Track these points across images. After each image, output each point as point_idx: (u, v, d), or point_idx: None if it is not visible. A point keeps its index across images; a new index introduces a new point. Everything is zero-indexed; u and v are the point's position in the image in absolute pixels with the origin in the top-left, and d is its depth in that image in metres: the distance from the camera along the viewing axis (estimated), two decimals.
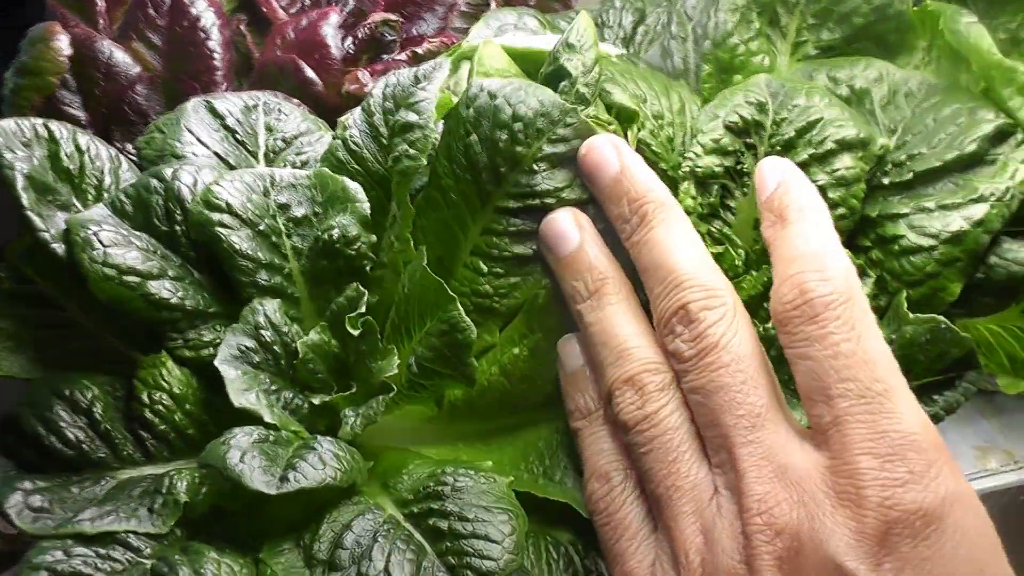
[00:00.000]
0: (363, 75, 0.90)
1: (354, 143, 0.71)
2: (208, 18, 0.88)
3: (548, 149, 0.65)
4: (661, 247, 0.61)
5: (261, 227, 0.68)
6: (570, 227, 0.64)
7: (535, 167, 0.65)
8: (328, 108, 0.86)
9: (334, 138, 0.73)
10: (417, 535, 0.60)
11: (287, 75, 0.87)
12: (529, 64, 0.74)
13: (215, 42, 0.87)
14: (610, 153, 0.63)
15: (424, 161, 0.67)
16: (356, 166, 0.71)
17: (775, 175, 0.62)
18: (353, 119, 0.72)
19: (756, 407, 0.56)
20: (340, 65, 0.89)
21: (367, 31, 0.95)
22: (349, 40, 0.94)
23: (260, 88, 0.84)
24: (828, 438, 0.55)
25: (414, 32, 1.01)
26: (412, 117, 0.68)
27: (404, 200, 0.68)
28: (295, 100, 0.83)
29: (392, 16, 0.99)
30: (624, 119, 0.71)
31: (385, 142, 0.70)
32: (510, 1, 1.05)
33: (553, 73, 0.68)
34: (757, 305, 0.74)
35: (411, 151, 0.67)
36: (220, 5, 0.89)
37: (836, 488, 0.54)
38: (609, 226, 0.65)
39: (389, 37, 0.96)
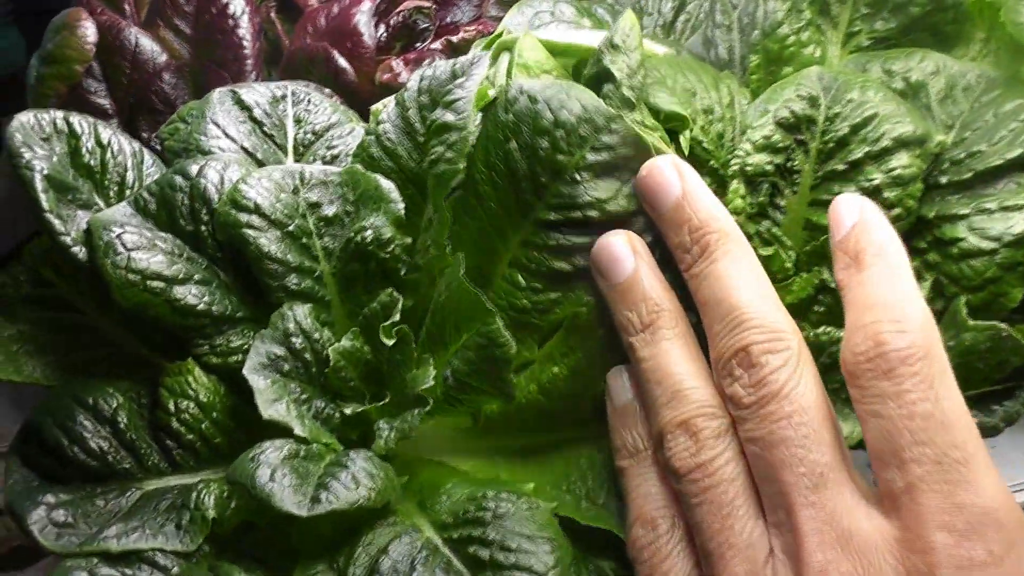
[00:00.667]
0: (397, 64, 0.86)
1: (388, 139, 0.67)
2: (237, 5, 0.84)
3: (591, 158, 0.60)
4: (723, 282, 0.56)
5: (291, 228, 0.65)
6: (625, 252, 0.59)
7: (577, 176, 0.60)
8: (360, 98, 0.83)
9: (367, 133, 0.68)
10: (457, 562, 0.56)
11: (318, 64, 0.84)
12: (570, 59, 0.69)
13: (244, 29, 0.83)
14: (672, 176, 0.59)
15: (462, 165, 0.63)
16: (390, 163, 0.67)
17: (852, 214, 0.57)
18: (387, 113, 0.68)
19: (819, 465, 0.51)
20: (373, 54, 0.85)
21: (400, 19, 0.91)
22: (382, 28, 0.90)
23: (289, 77, 0.81)
24: (899, 506, 0.50)
25: (448, 20, 0.97)
26: (449, 117, 0.64)
27: (440, 204, 0.64)
28: (326, 90, 0.79)
29: (426, 3, 0.95)
30: (674, 124, 0.66)
31: (421, 139, 0.66)
32: None
33: (596, 75, 0.63)
34: (806, 309, 0.70)
35: (448, 154, 0.63)
36: None
37: (906, 563, 0.49)
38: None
39: (423, 25, 0.92)
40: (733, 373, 0.54)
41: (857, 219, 0.56)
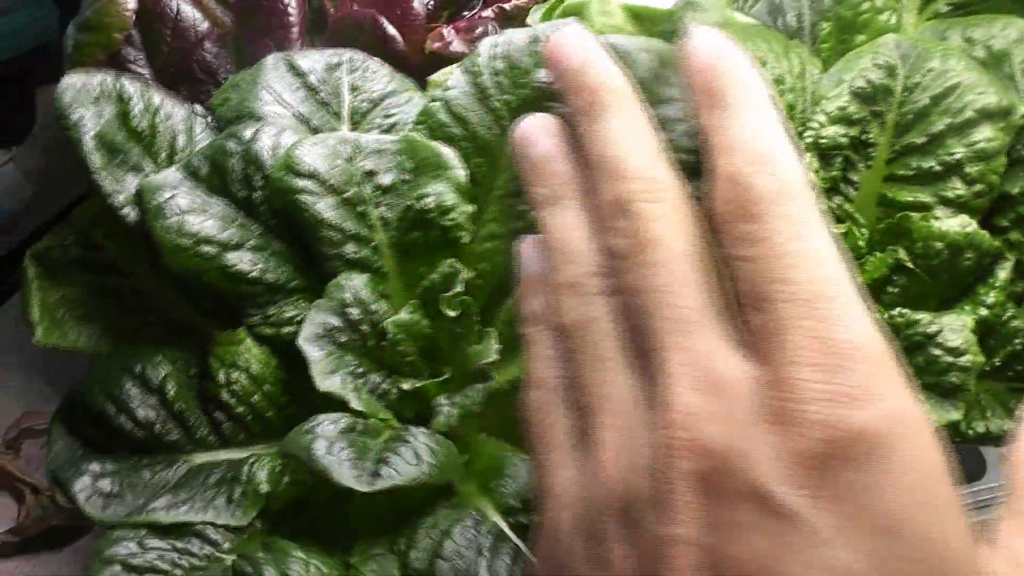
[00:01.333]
0: (448, 32, 0.83)
1: (457, 104, 0.63)
2: None
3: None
4: (611, 136, 0.53)
5: (347, 195, 0.61)
6: (540, 131, 0.56)
7: None
8: (410, 68, 0.79)
9: (431, 100, 0.65)
10: (526, 550, 0.53)
11: (365, 32, 0.80)
12: (646, 27, 0.66)
13: None
14: (575, 45, 0.55)
15: None
16: (457, 129, 0.63)
17: (709, 53, 0.53)
18: (454, 79, 0.64)
19: (692, 310, 0.48)
20: (423, 21, 0.82)
21: None
22: None
23: (335, 46, 0.77)
24: (768, 346, 0.46)
25: None
26: (543, 76, 0.60)
27: None
28: (374, 57, 0.75)
29: None
30: None
31: (497, 105, 0.62)
32: None
33: (673, 34, 0.60)
34: (880, 290, 0.66)
35: None
36: None
37: (767, 404, 0.45)
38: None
39: None
40: (616, 224, 0.51)
41: (717, 58, 0.52)
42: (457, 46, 0.83)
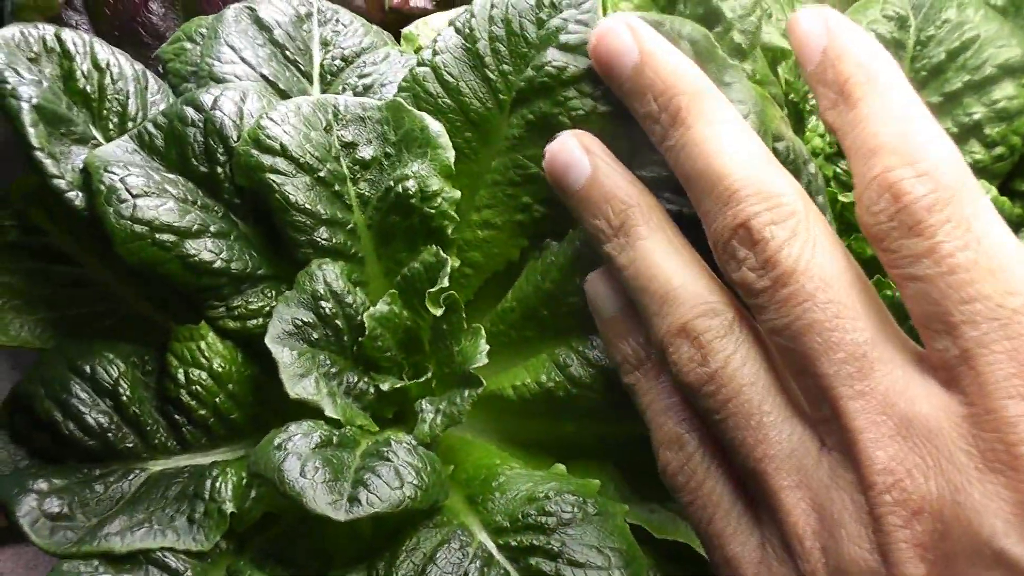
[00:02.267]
0: None
1: (448, 73, 0.56)
2: None
3: None
4: (702, 148, 0.46)
5: (322, 173, 0.55)
6: (576, 154, 0.50)
7: None
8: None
9: (419, 64, 0.57)
10: (516, 574, 0.47)
11: None
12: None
13: None
14: (625, 38, 0.48)
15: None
16: (448, 100, 0.56)
17: (818, 34, 0.46)
18: (444, 42, 0.56)
19: (860, 345, 0.42)
20: None
21: None
22: None
23: None
24: (959, 377, 0.40)
25: None
26: (557, 59, 0.53)
27: None
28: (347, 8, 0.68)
29: None
30: (770, 55, 0.56)
31: (494, 77, 0.55)
32: None
33: (702, 16, 0.53)
34: None
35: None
36: None
37: (980, 446, 0.39)
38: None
39: None
40: (736, 255, 0.44)
41: (826, 41, 0.45)
42: (418, 1, 0.76)
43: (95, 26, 0.75)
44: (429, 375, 0.55)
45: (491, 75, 0.55)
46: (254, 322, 0.55)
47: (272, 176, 0.53)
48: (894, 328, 0.44)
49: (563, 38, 0.53)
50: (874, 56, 0.45)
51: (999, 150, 0.60)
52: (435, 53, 0.56)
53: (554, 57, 0.53)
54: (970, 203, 0.41)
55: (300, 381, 0.51)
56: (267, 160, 0.54)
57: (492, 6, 0.55)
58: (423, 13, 0.78)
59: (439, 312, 0.53)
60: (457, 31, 0.56)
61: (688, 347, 0.45)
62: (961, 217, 0.40)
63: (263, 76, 0.61)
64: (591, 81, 0.52)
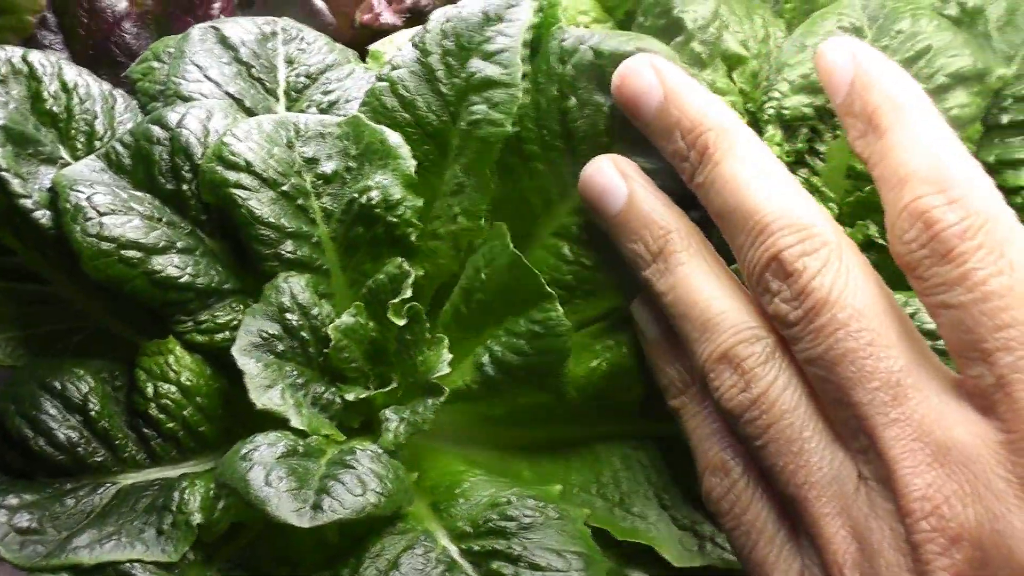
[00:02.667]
0: (377, 3, 0.77)
1: (404, 87, 0.57)
2: None
3: None
4: (733, 184, 0.46)
5: (285, 187, 0.55)
6: (614, 179, 0.50)
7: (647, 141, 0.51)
8: (340, 41, 0.73)
9: (378, 79, 0.58)
10: None
11: (290, 4, 0.75)
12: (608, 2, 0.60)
13: None
14: (649, 78, 0.49)
15: (510, 128, 0.53)
16: (405, 114, 0.57)
17: (846, 65, 0.46)
18: (402, 57, 0.58)
19: (893, 372, 0.42)
20: None
21: None
22: None
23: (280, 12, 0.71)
24: (995, 403, 0.41)
25: None
26: (492, 71, 0.54)
27: (483, 173, 0.55)
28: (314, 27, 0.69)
29: None
30: (729, 63, 0.57)
31: (446, 91, 0.56)
32: None
33: (663, 27, 0.53)
34: None
35: (494, 114, 0.54)
36: None
37: (1018, 472, 0.40)
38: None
39: None
40: (770, 288, 0.45)
41: (853, 71, 0.46)
42: (387, 18, 0.77)
43: (69, 45, 0.76)
44: (395, 385, 0.55)
45: (443, 88, 0.56)
46: (222, 335, 0.55)
47: (237, 191, 0.54)
48: (929, 355, 0.44)
49: (486, 48, 0.54)
50: (902, 86, 0.45)
51: None
52: (393, 68, 0.57)
53: (480, 66, 0.54)
54: (1003, 229, 0.41)
55: (266, 392, 0.52)
56: (231, 176, 0.54)
57: (445, 20, 0.56)
58: (392, 29, 0.79)
59: (401, 322, 0.54)
60: (414, 46, 0.57)
61: (730, 373, 0.46)
62: (994, 243, 0.41)
63: (229, 94, 0.61)
64: (506, 87, 0.53)
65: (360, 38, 0.77)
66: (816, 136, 0.63)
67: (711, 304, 0.47)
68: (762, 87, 0.63)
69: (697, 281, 0.48)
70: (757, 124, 0.63)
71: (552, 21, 0.55)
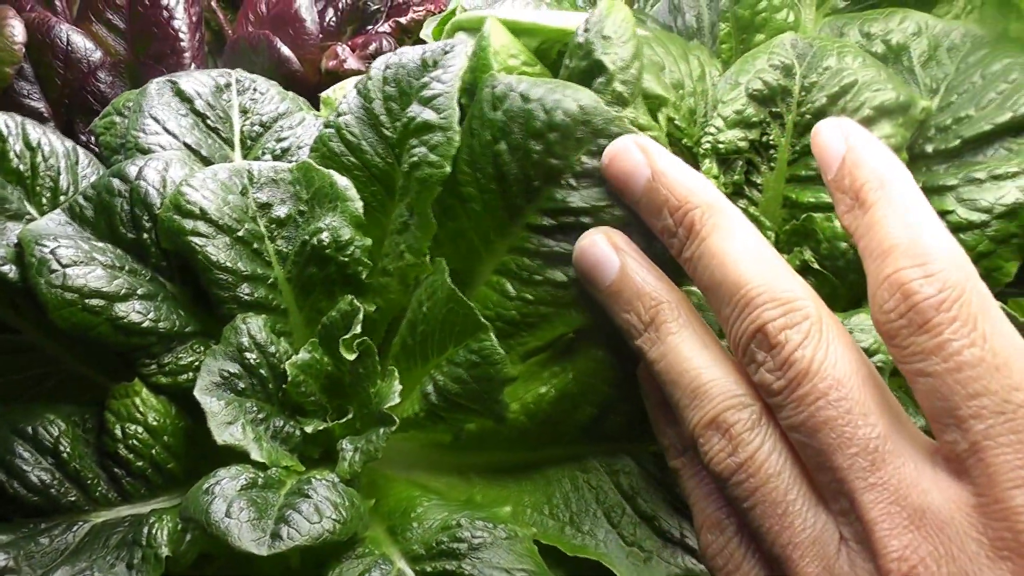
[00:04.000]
0: (342, 50, 0.79)
1: (350, 132, 0.59)
2: None
3: (588, 162, 0.53)
4: (719, 259, 0.48)
5: (240, 232, 0.57)
6: (607, 252, 0.52)
7: (573, 181, 0.53)
8: (307, 87, 0.76)
9: (325, 125, 0.60)
10: None
11: (260, 53, 0.76)
12: (533, 40, 0.62)
13: (180, 21, 0.75)
14: (637, 158, 0.51)
15: (448, 169, 0.55)
16: (352, 159, 0.59)
17: (837, 145, 0.48)
18: (347, 103, 0.60)
19: (871, 440, 0.44)
20: (318, 40, 0.78)
21: (349, 2, 0.83)
22: (330, 12, 0.82)
23: (232, 68, 0.72)
24: (968, 468, 0.42)
25: (400, 0, 0.89)
26: (430, 116, 0.56)
27: (425, 212, 0.56)
28: (269, 79, 0.71)
29: None
30: (651, 103, 0.59)
31: (390, 134, 0.58)
32: None
33: (586, 69, 0.55)
34: None
35: (432, 156, 0.55)
36: None
37: (989, 534, 0.42)
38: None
39: (374, 7, 0.84)
40: (756, 358, 0.46)
41: (844, 150, 0.48)
42: (352, 63, 0.79)
43: (46, 94, 0.78)
44: (351, 416, 0.57)
45: (387, 132, 0.58)
46: (185, 376, 0.57)
47: (194, 238, 0.56)
48: (906, 423, 0.46)
49: (423, 93, 0.56)
50: (888, 165, 0.47)
51: None
52: (339, 115, 0.59)
53: (418, 111, 0.56)
54: (976, 302, 0.43)
55: (227, 428, 0.53)
56: (188, 224, 0.56)
57: (386, 67, 0.58)
58: (357, 74, 0.81)
59: (352, 357, 0.56)
60: (358, 92, 0.59)
61: (719, 438, 0.47)
62: (968, 316, 0.42)
63: (186, 145, 0.63)
64: (444, 131, 0.55)
65: (326, 83, 0.79)
66: (752, 168, 0.65)
67: (700, 372, 0.49)
68: (699, 123, 0.65)
69: (687, 350, 0.50)
70: (695, 158, 0.65)
71: (485, 67, 0.56)
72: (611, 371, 0.55)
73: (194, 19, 0.76)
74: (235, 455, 0.53)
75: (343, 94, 0.72)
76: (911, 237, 0.44)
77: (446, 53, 0.57)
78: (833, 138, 0.49)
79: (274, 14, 0.78)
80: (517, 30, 0.59)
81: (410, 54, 0.58)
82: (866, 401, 0.45)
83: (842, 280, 0.64)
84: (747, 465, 0.47)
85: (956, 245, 0.45)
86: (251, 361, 0.56)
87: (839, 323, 0.47)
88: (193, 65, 0.75)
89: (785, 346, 0.45)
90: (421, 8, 0.88)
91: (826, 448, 0.44)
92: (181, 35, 0.75)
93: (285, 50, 0.76)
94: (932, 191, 0.62)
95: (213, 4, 0.83)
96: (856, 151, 0.48)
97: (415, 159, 0.56)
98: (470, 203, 0.55)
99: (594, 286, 0.52)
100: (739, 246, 0.48)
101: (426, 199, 0.56)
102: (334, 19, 0.82)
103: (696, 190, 0.50)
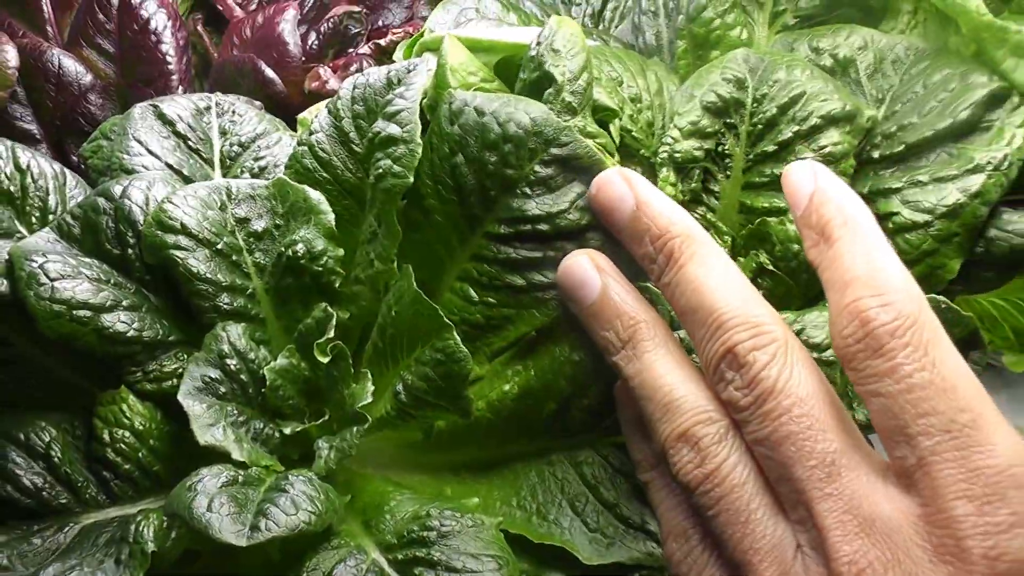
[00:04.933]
0: (324, 71, 0.81)
1: (321, 149, 0.61)
2: (159, 20, 0.78)
3: (541, 171, 0.55)
4: (695, 286, 0.51)
5: (220, 246, 0.60)
6: (589, 272, 0.55)
7: (528, 190, 0.56)
8: (291, 108, 0.78)
9: (299, 143, 0.63)
10: None
11: (245, 75, 0.78)
12: (493, 56, 0.64)
13: (168, 45, 0.77)
14: (622, 188, 0.54)
15: (411, 179, 0.57)
16: (325, 174, 0.62)
17: (807, 183, 0.51)
18: (319, 122, 0.62)
19: (829, 453, 0.47)
20: (300, 62, 0.80)
21: (331, 25, 0.85)
22: (313, 35, 0.85)
23: (219, 90, 0.75)
24: (915, 482, 0.46)
25: (380, 23, 0.92)
26: (394, 130, 0.58)
27: (391, 220, 0.58)
28: (256, 102, 0.74)
29: (356, 8, 0.90)
30: (604, 115, 0.61)
31: (358, 150, 0.60)
32: None
33: (538, 80, 0.58)
34: None
35: (396, 168, 0.58)
36: (173, 5, 0.80)
37: (933, 541, 0.45)
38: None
39: (354, 30, 0.87)
40: (725, 376, 0.49)
41: (813, 188, 0.51)
42: (334, 84, 0.81)
43: (38, 117, 0.80)
44: (327, 417, 0.59)
45: (356, 148, 0.60)
46: (169, 383, 0.59)
47: (176, 252, 0.58)
48: (861, 441, 0.49)
49: (387, 109, 0.58)
50: (851, 204, 0.50)
51: None
52: (311, 133, 0.62)
53: (383, 126, 0.58)
54: (928, 330, 0.46)
55: (210, 430, 0.55)
56: (170, 238, 0.58)
57: (354, 87, 0.61)
58: None
59: (326, 360, 0.58)
60: (329, 112, 0.62)
61: (688, 451, 0.50)
62: (920, 342, 0.46)
63: (168, 165, 0.66)
64: (406, 143, 0.58)
65: (309, 104, 0.81)
66: (709, 176, 0.68)
67: (673, 388, 0.52)
68: (657, 135, 0.68)
69: (661, 368, 0.53)
70: (652, 168, 0.67)
71: (443, 84, 0.59)
72: (569, 367, 0.57)
73: (181, 43, 0.78)
74: (218, 456, 0.55)
75: (316, 114, 0.75)
76: (870, 270, 0.47)
77: (409, 72, 0.59)
78: (802, 178, 0.52)
79: (258, 37, 0.80)
80: (476, 47, 0.62)
81: (376, 74, 0.61)
82: (825, 419, 0.48)
83: (796, 280, 0.66)
84: (713, 476, 0.50)
85: (911, 279, 0.48)
86: (232, 367, 0.58)
87: (803, 347, 0.50)
88: (181, 88, 0.78)
89: (753, 366, 0.48)
90: (400, 30, 0.90)
91: (787, 460, 0.47)
92: (169, 59, 0.77)
93: (269, 72, 0.79)
94: (879, 194, 0.65)
95: (199, 28, 0.85)
96: (823, 191, 0.51)
97: (380, 171, 0.58)
98: (432, 214, 0.58)
99: (576, 304, 0.55)
100: (714, 274, 0.51)
101: (391, 208, 0.58)
102: (316, 42, 0.85)
103: (676, 220, 0.53)
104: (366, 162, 0.60)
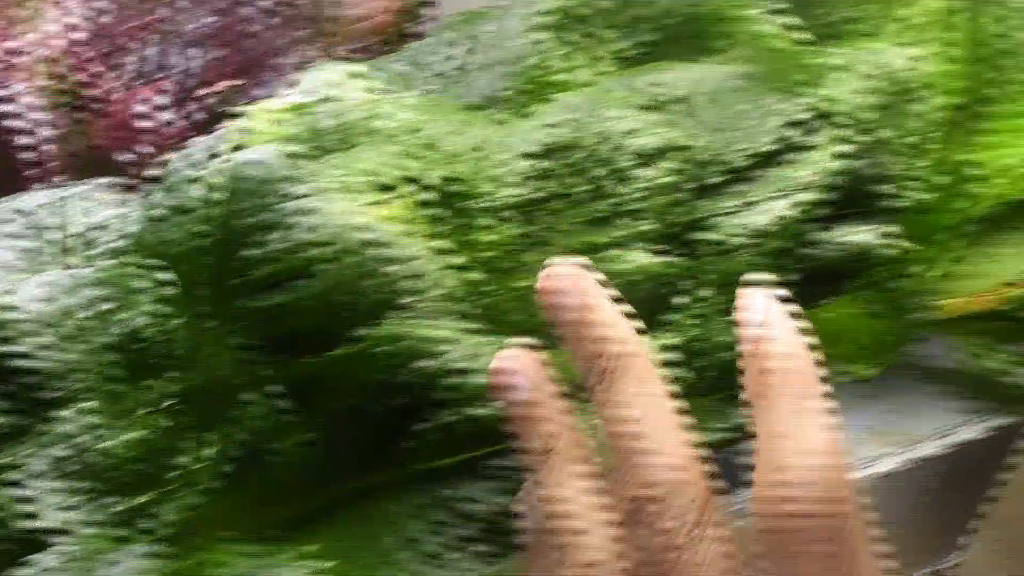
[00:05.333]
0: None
1: (159, 223, 0.64)
2: (15, 116, 0.81)
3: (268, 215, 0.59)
4: (623, 406, 0.48)
5: (68, 328, 0.62)
6: (521, 371, 0.53)
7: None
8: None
9: (144, 220, 0.65)
10: None
11: (106, 162, 0.81)
12: (281, 128, 0.68)
13: (28, 139, 0.80)
14: (569, 283, 0.52)
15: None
16: (164, 247, 0.64)
17: (755, 322, 0.47)
18: (156, 197, 0.65)
19: None
20: (153, 147, 0.83)
21: (197, 104, 0.88)
22: (178, 115, 0.87)
23: (82, 178, 0.78)
24: None
25: (264, 95, 0.95)
26: (197, 193, 0.61)
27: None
28: (118, 183, 0.76)
29: (236, 81, 0.93)
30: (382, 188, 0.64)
31: (185, 219, 0.63)
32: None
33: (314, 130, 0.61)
34: None
35: (195, 228, 0.61)
36: (36, 101, 0.82)
37: None
38: None
39: (221, 109, 0.90)
40: (643, 518, 0.47)
41: (759, 336, 0.47)
42: None
43: None
44: (171, 487, 0.61)
45: (183, 218, 0.63)
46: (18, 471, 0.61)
47: (23, 340, 0.61)
48: None
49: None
50: (801, 361, 0.46)
51: (653, 222, 0.67)
52: (151, 208, 0.65)
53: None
54: (850, 527, 0.43)
55: (54, 510, 0.57)
56: (16, 327, 0.61)
57: (187, 158, 0.64)
58: None
59: (164, 427, 0.60)
60: (165, 188, 0.65)
61: None
62: (837, 551, 0.43)
63: (24, 258, 0.68)
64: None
65: None
66: (538, 222, 0.70)
67: (588, 519, 0.49)
68: (480, 185, 0.70)
69: (575, 490, 0.50)
70: (478, 220, 0.69)
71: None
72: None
73: (42, 138, 0.81)
74: (65, 537, 0.57)
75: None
76: (799, 446, 0.44)
77: (218, 141, 0.62)
78: (752, 315, 0.48)
79: (119, 122, 0.83)
80: (278, 117, 0.65)
81: (201, 146, 0.64)
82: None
83: (640, 310, 0.68)
84: None
85: (839, 446, 0.44)
86: (81, 445, 0.60)
87: (719, 510, 0.47)
88: (48, 179, 0.80)
89: (674, 512, 0.46)
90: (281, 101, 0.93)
91: None
92: (28, 154, 0.80)
93: (127, 157, 0.81)
94: (697, 222, 0.67)
95: (62, 120, 0.88)
96: (769, 339, 0.47)
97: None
98: None
99: (504, 401, 0.54)
100: (646, 400, 0.49)
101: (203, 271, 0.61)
102: (179, 122, 0.87)
103: (617, 327, 0.51)
104: (206, 233, 0.63)
